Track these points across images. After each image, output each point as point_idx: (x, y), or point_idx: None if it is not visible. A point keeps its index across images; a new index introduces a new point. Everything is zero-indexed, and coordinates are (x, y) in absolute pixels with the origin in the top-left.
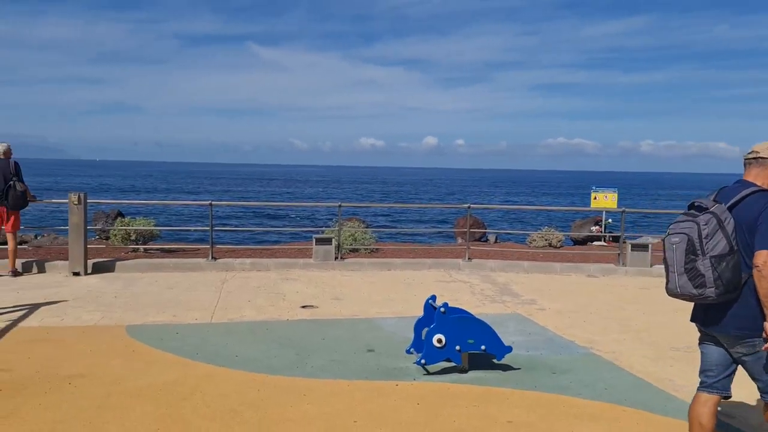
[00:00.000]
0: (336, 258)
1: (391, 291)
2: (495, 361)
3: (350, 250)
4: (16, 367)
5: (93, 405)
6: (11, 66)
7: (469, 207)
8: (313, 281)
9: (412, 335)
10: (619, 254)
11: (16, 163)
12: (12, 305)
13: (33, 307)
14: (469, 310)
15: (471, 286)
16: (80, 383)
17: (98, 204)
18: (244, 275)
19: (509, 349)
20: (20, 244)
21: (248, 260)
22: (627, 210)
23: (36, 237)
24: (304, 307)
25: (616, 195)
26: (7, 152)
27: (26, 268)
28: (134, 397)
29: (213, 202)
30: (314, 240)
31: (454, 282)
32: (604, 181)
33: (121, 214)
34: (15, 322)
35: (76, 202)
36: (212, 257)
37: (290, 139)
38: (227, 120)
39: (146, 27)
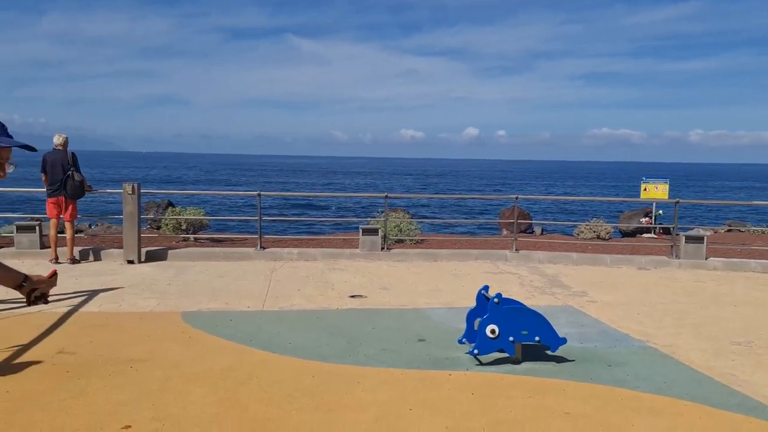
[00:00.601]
0: (382, 248)
1: (439, 281)
2: (549, 352)
3: (396, 241)
4: (80, 350)
5: (154, 388)
6: (62, 61)
7: (516, 198)
8: (360, 271)
9: (461, 326)
10: (672, 246)
11: (73, 154)
12: (72, 291)
13: (92, 294)
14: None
15: (519, 277)
16: (141, 367)
17: (150, 194)
18: (291, 265)
19: (564, 340)
20: (77, 233)
21: (295, 250)
22: (681, 201)
23: (90, 226)
24: (352, 296)
25: (667, 186)
26: (65, 143)
27: (83, 256)
28: (193, 382)
29: (261, 193)
30: (361, 230)
31: (502, 273)
32: (651, 171)
33: (171, 204)
34: (76, 308)
35: (131, 192)
36: (260, 247)
37: (331, 131)
38: (269, 112)
39: (191, 21)
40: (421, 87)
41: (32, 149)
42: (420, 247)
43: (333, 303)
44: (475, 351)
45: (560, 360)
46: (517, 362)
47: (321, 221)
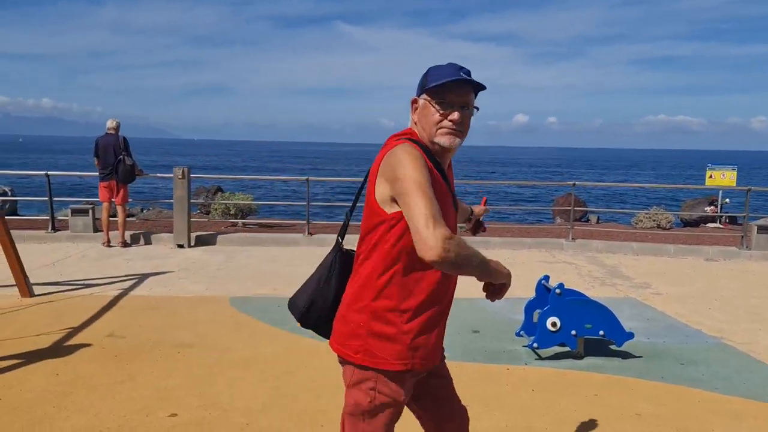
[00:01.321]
0: None
1: None
2: (613, 347)
3: None
4: (130, 334)
5: (202, 374)
6: (117, 51)
7: (573, 185)
8: None
9: (515, 316)
10: (742, 237)
11: (124, 139)
12: (123, 275)
13: (142, 277)
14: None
15: (577, 267)
16: (188, 352)
17: (199, 179)
18: None
19: (631, 335)
20: (128, 216)
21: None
22: (753, 189)
23: (143, 210)
24: None
25: (734, 173)
26: (117, 127)
27: (134, 240)
28: (241, 368)
29: (309, 178)
30: None
31: (558, 263)
32: (711, 159)
33: (220, 190)
34: (126, 291)
35: (181, 177)
36: (308, 233)
37: (378, 118)
38: (316, 100)
39: (240, 10)
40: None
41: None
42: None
43: None
44: (535, 344)
45: (626, 356)
46: (579, 357)
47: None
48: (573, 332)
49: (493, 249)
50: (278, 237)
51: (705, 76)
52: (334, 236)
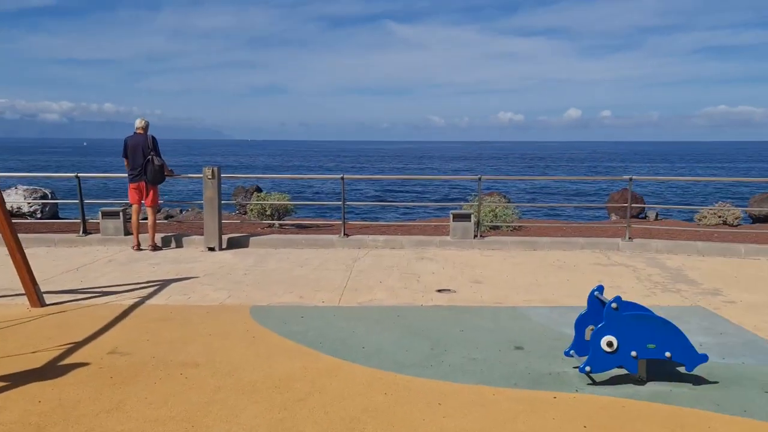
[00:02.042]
0: (475, 236)
1: (539, 274)
2: (682, 370)
3: (490, 228)
4: (134, 350)
5: (201, 401)
6: (174, 55)
7: (630, 179)
8: (450, 261)
9: (565, 329)
10: None
11: (153, 138)
12: (146, 281)
13: (164, 283)
14: (635, 301)
15: (635, 270)
16: (192, 374)
17: (235, 179)
18: (376, 253)
19: (704, 357)
20: (166, 218)
21: (381, 237)
22: None
23: (181, 212)
24: (440, 291)
25: None
26: (146, 127)
27: (166, 243)
28: (246, 394)
29: (345, 176)
30: (451, 216)
31: (614, 265)
32: None
33: (259, 189)
34: (144, 299)
35: (210, 177)
36: (344, 233)
37: (427, 116)
38: (367, 99)
39: (292, 11)
40: (520, 68)
41: None
42: (517, 235)
43: (418, 298)
44: (587, 368)
45: (698, 381)
46: (641, 383)
47: (412, 205)
48: (633, 353)
49: (541, 250)
50: (313, 239)
51: (766, 64)
52: (372, 237)
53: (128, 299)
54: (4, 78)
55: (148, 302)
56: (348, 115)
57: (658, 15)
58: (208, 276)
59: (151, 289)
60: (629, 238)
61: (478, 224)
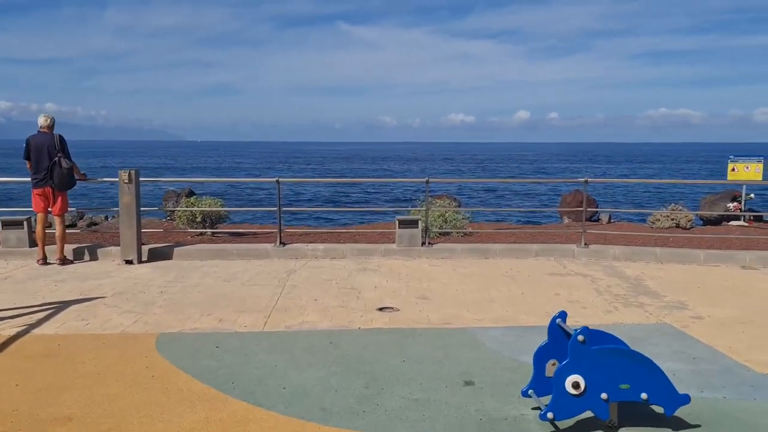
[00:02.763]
0: (423, 243)
1: (491, 287)
2: (658, 410)
3: (439, 234)
4: None
5: None
6: (122, 54)
7: (586, 181)
8: (395, 272)
9: (521, 356)
10: None
11: (60, 137)
12: (41, 303)
13: (62, 306)
14: (596, 318)
15: (593, 281)
16: None
17: (159, 182)
18: (315, 264)
19: (686, 398)
20: (89, 226)
21: (321, 246)
22: None
23: (107, 218)
24: (381, 309)
25: (760, 165)
26: (52, 125)
27: (78, 255)
28: None
29: (280, 179)
30: (397, 222)
31: (571, 275)
32: (712, 151)
33: (191, 194)
34: (30, 328)
35: (127, 181)
36: (280, 242)
37: (380, 116)
38: (319, 99)
39: (245, 11)
40: (471, 70)
41: None
42: (468, 241)
43: (355, 319)
44: (550, 414)
45: (678, 425)
46: (612, 429)
47: (355, 210)
48: (604, 396)
49: (493, 258)
50: (245, 248)
51: (705, 68)
52: (312, 246)
53: (10, 328)
54: None
55: (34, 331)
56: (301, 115)
57: (603, 19)
58: (117, 296)
59: (44, 314)
60: (585, 244)
61: (426, 231)
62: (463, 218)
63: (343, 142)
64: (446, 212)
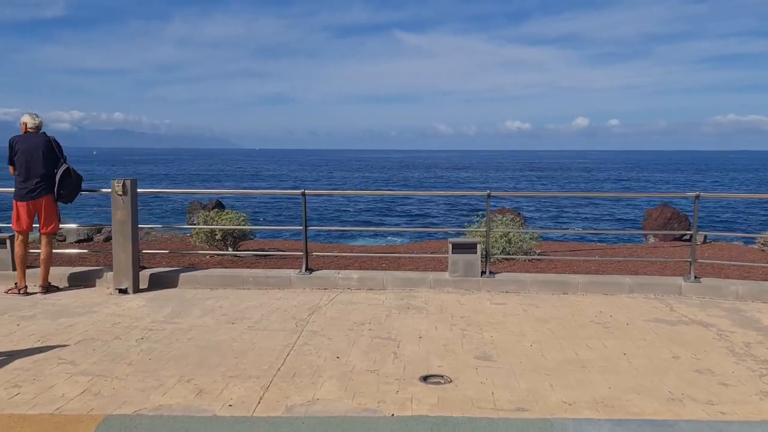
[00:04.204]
0: (483, 272)
1: (579, 341)
2: None
3: (502, 258)
4: None
5: None
6: (184, 64)
7: (697, 196)
8: (446, 312)
9: None
10: None
11: (55, 140)
12: None
13: (5, 359)
14: (750, 408)
15: (721, 334)
16: None
17: (161, 194)
18: (346, 298)
19: None
20: (106, 240)
21: (356, 274)
22: None
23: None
24: (426, 378)
25: None
26: (40, 126)
27: (74, 281)
28: None
29: (306, 192)
30: (450, 246)
31: (685, 323)
32: None
33: (220, 206)
34: None
35: (120, 192)
36: (306, 268)
37: (435, 124)
38: (375, 107)
39: (301, 21)
40: (527, 77)
41: None
42: (538, 269)
43: (388, 396)
44: None
45: None
46: None
47: (398, 230)
48: None
49: (574, 294)
50: (264, 275)
51: None
52: (345, 273)
53: None
54: (17, 87)
55: None
56: (356, 123)
57: (665, 23)
58: (84, 344)
59: None
60: (695, 277)
61: (486, 256)
62: (531, 239)
63: (398, 149)
64: (511, 232)
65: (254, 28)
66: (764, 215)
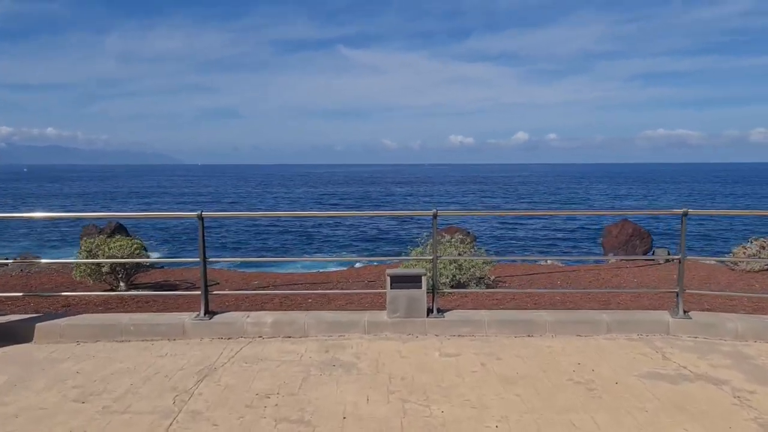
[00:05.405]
0: (430, 311)
1: (561, 417)
2: None
3: (452, 286)
4: None
5: None
6: (123, 79)
7: (685, 213)
8: (383, 373)
9: None
10: None
11: None
12: None
13: None
14: None
15: (738, 396)
16: None
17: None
18: (253, 352)
19: None
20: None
21: (269, 317)
22: None
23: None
24: None
25: None
26: None
27: None
28: None
29: (204, 213)
30: (388, 279)
31: (687, 378)
32: (713, 173)
33: (122, 229)
34: None
35: None
36: (206, 311)
37: (381, 139)
38: (321, 122)
39: (246, 35)
40: (470, 93)
41: None
42: (496, 302)
43: None
44: None
45: None
46: None
47: (320, 261)
48: None
49: (542, 337)
50: (148, 322)
51: (702, 89)
52: (255, 316)
53: None
54: None
55: None
56: (303, 138)
57: (600, 42)
58: None
59: None
60: (684, 312)
61: (434, 290)
62: (484, 264)
63: (346, 164)
64: (461, 258)
65: (198, 43)
66: (723, 229)
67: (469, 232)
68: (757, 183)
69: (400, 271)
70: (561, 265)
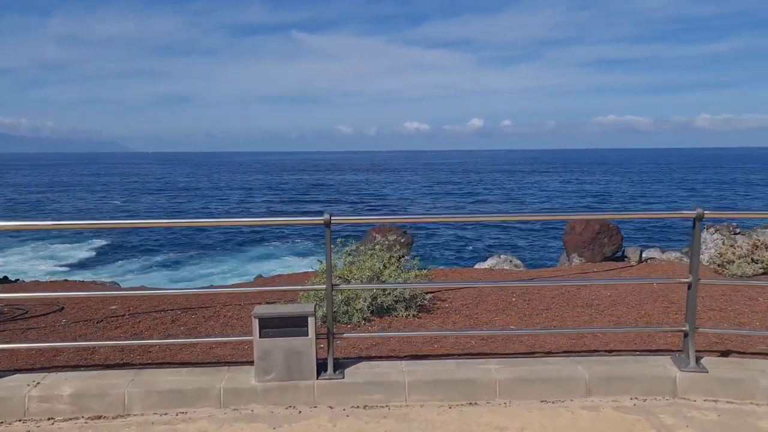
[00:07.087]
0: (322, 367)
1: None
2: None
3: (372, 311)
4: None
5: None
6: (69, 63)
7: (700, 216)
8: None
9: None
10: None
11: None
12: None
13: None
14: None
15: None
16: None
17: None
18: None
19: None
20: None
21: (68, 387)
22: None
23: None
24: None
25: None
26: None
27: None
28: None
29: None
30: (257, 322)
31: None
32: (660, 157)
33: None
34: None
35: None
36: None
37: (336, 125)
38: (276, 108)
39: (197, 20)
40: (426, 79)
41: None
42: (426, 345)
43: None
44: None
45: None
46: None
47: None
48: None
49: (489, 404)
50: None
51: (651, 76)
52: (49, 380)
53: None
54: None
55: None
56: (257, 125)
57: (554, 28)
58: None
59: None
60: (696, 360)
61: (329, 334)
62: (416, 276)
63: (300, 151)
64: (370, 287)
65: (147, 27)
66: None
67: (405, 232)
68: (702, 168)
69: (270, 310)
70: (516, 269)
